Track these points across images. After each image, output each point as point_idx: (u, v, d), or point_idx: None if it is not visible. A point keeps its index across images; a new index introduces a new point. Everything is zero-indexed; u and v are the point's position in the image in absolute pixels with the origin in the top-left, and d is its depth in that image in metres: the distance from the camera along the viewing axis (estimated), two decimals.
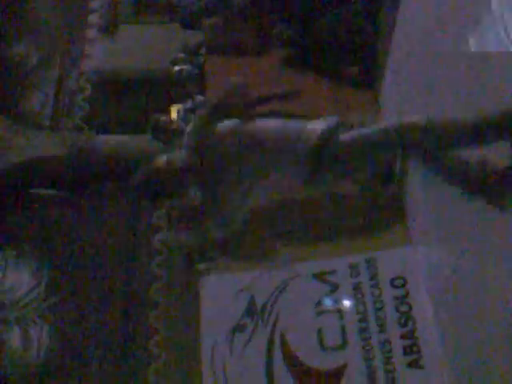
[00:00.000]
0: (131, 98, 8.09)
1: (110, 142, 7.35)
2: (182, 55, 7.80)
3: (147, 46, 8.47)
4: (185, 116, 7.19)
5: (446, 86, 4.71)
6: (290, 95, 5.75)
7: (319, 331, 5.31)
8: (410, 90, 5.62)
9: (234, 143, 4.50)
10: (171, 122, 5.88)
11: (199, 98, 7.13)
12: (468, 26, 4.19)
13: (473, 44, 4.12)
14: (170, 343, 5.87)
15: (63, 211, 6.81)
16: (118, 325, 6.11)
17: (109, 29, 8.87)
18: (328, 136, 4.48)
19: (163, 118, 5.85)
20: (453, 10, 4.52)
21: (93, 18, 8.99)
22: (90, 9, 9.07)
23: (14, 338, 6.13)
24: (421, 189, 5.36)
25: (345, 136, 4.46)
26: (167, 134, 5.67)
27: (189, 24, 8.02)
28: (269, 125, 4.81)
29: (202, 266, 5.74)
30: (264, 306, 5.42)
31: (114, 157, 7.08)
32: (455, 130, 3.94)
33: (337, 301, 5.46)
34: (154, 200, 4.44)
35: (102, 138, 7.47)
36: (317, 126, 4.61)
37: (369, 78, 6.86)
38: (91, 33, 8.89)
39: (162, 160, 4.61)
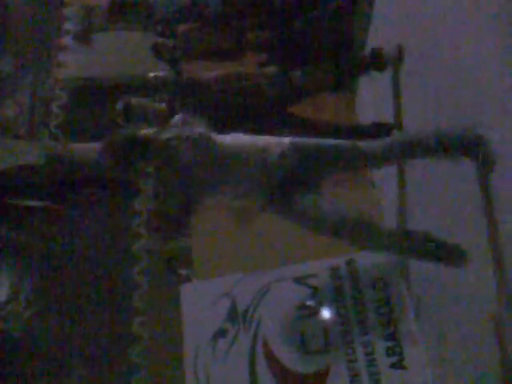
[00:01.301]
0: (107, 105, 8.06)
1: (87, 149, 7.31)
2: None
3: (122, 53, 8.46)
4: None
5: (420, 87, 4.74)
6: None
7: (301, 335, 5.29)
8: (386, 92, 5.63)
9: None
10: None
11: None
12: (443, 29, 4.21)
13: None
14: (153, 349, 5.85)
15: (42, 220, 6.77)
16: (100, 333, 6.09)
17: (83, 36, 8.85)
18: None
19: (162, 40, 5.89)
20: (428, 12, 4.54)
21: (67, 26, 8.96)
22: (65, 16, 9.03)
23: None
24: (400, 192, 5.38)
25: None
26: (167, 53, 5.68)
27: (163, 31, 8.01)
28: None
29: (182, 272, 5.72)
30: (245, 311, 5.40)
31: (91, 165, 7.04)
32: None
33: (318, 304, 5.45)
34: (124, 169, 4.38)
35: (79, 146, 7.42)
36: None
37: (344, 80, 6.86)
38: (66, 40, 8.86)
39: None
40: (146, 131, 4.27)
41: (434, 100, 4.56)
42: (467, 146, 3.67)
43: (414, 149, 3.99)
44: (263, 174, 4.18)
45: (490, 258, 3.79)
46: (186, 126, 4.28)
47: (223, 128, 5.53)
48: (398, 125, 5.50)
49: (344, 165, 4.22)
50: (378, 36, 5.89)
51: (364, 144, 4.14)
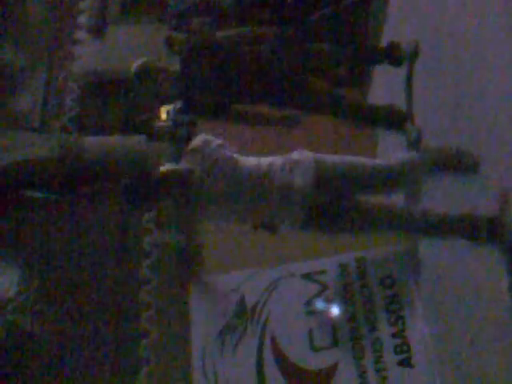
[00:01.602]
0: (120, 98, 8.08)
1: (99, 143, 7.34)
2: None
3: (136, 47, 8.45)
4: (174, 116, 7.19)
5: (433, 85, 4.72)
6: (291, 119, 5.70)
7: (309, 331, 5.31)
8: (399, 88, 5.62)
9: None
10: (162, 123, 5.84)
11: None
12: (460, 27, 4.20)
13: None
14: (161, 345, 5.87)
15: (53, 214, 6.80)
16: (109, 327, 6.11)
17: (97, 30, 8.86)
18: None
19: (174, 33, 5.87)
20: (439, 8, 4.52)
21: (81, 19, 8.97)
22: (79, 10, 9.04)
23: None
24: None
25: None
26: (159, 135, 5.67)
27: (177, 25, 8.00)
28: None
29: (192, 267, 5.73)
30: (254, 307, 5.42)
31: (103, 158, 7.07)
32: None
33: (327, 301, 5.45)
34: (138, 206, 4.34)
35: (91, 139, 7.45)
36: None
37: (357, 77, 6.85)
38: (80, 34, 8.87)
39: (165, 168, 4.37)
40: (162, 168, 4.20)
41: (448, 98, 4.54)
42: None
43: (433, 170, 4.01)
44: (291, 196, 4.07)
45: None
46: (208, 149, 4.18)
47: (236, 96, 5.51)
48: (410, 120, 5.51)
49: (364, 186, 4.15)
50: (393, 33, 5.87)
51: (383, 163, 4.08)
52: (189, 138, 5.95)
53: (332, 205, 4.06)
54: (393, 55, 5.63)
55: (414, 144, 5.21)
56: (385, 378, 5.04)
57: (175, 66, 5.55)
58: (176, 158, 5.98)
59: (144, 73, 5.56)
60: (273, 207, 4.01)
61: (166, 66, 5.64)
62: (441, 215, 4.03)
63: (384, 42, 5.97)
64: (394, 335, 5.19)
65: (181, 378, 5.54)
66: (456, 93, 4.31)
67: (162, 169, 4.16)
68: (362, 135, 6.51)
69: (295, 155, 4.14)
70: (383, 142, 6.34)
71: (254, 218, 4.07)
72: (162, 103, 7.55)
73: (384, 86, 6.13)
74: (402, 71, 5.55)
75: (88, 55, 8.64)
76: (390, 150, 5.86)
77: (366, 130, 6.51)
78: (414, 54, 5.36)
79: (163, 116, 7.49)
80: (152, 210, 5.71)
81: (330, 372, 5.15)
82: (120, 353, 5.98)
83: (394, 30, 5.84)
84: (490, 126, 3.76)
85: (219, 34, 5.85)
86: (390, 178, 4.12)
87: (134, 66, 5.60)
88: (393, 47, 5.62)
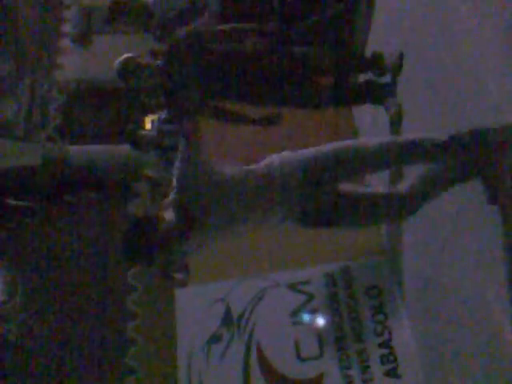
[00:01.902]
0: (105, 108, 8.06)
1: (84, 152, 7.32)
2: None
3: (121, 56, 8.44)
4: (159, 126, 7.17)
5: (422, 88, 4.75)
6: (270, 120, 5.68)
7: (296, 341, 5.30)
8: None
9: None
10: (147, 133, 5.80)
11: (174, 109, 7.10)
12: (443, 38, 4.21)
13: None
14: (147, 354, 5.86)
15: (38, 222, 6.77)
16: (94, 335, 6.09)
17: (82, 39, 8.85)
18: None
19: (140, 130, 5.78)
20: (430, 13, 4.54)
21: (66, 28, 8.95)
22: (64, 18, 9.03)
23: None
24: None
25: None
26: (145, 145, 5.63)
27: (162, 34, 7.98)
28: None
29: (178, 276, 5.69)
30: (240, 316, 5.41)
31: (88, 167, 7.06)
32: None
33: (313, 311, 5.46)
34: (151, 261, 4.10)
35: (76, 148, 7.43)
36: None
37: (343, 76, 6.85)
38: (64, 42, 8.86)
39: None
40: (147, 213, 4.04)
41: (433, 102, 4.56)
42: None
43: (415, 151, 3.92)
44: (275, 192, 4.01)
45: (486, 262, 3.80)
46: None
47: (218, 93, 5.49)
48: (398, 124, 5.54)
49: (345, 171, 4.10)
50: (378, 40, 5.89)
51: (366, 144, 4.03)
52: (173, 148, 5.93)
53: (323, 198, 4.01)
54: (376, 65, 5.64)
55: (396, 120, 5.24)
56: None
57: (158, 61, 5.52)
58: (161, 168, 5.98)
59: (127, 69, 5.51)
60: (271, 204, 3.94)
61: (149, 62, 5.60)
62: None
63: (369, 51, 6.00)
64: (380, 345, 5.19)
65: None
66: (441, 99, 4.33)
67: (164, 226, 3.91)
68: (341, 120, 6.54)
69: (284, 154, 4.08)
70: (363, 125, 6.37)
71: (254, 217, 3.98)
72: (147, 113, 7.54)
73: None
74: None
75: (72, 64, 8.63)
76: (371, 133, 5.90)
77: (343, 114, 6.55)
78: (398, 64, 5.37)
79: (148, 125, 7.47)
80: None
81: (317, 382, 5.15)
82: (106, 361, 5.96)
83: (380, 40, 5.85)
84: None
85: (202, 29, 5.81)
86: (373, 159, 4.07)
87: (117, 62, 5.55)
88: (376, 57, 5.64)
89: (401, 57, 5.30)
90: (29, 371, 6.00)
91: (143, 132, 6.74)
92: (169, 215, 3.72)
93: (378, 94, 5.62)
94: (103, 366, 5.95)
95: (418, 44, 4.84)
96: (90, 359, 5.99)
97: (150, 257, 3.73)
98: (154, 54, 6.19)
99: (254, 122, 5.51)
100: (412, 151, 3.84)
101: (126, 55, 5.52)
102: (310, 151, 3.96)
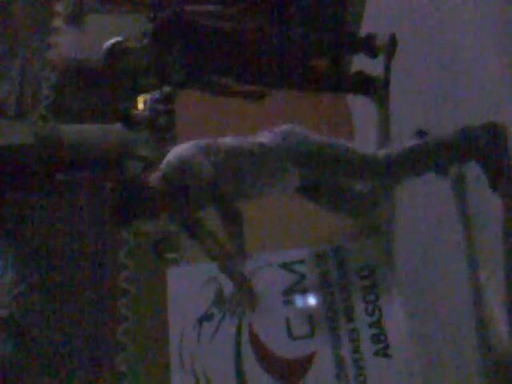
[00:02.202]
0: (97, 87, 8.04)
1: (76, 131, 7.29)
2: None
3: (114, 36, 8.40)
4: (151, 106, 7.16)
5: (413, 79, 4.74)
6: (256, 95, 5.68)
7: (287, 320, 5.32)
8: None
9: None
10: (140, 112, 5.78)
11: (166, 88, 7.10)
12: (441, 28, 4.21)
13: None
14: (139, 331, 5.87)
15: (31, 200, 6.77)
16: (86, 313, 6.10)
17: (75, 18, 8.80)
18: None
19: (132, 109, 5.75)
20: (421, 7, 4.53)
21: (59, 7, 8.91)
22: None
23: None
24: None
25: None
26: (137, 124, 5.60)
27: (154, 16, 7.95)
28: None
29: (169, 255, 5.70)
30: (232, 296, 5.40)
31: (80, 146, 7.03)
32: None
33: (304, 290, 5.47)
34: (127, 223, 4.10)
35: (68, 127, 7.40)
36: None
37: (338, 69, 6.85)
38: (57, 22, 8.81)
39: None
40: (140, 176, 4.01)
41: (428, 95, 4.55)
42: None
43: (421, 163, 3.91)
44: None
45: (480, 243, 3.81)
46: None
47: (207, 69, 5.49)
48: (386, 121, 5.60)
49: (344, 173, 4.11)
50: (372, 25, 5.88)
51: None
52: (167, 127, 5.92)
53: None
54: (369, 46, 5.64)
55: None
56: (362, 368, 5.06)
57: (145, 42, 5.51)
58: (153, 147, 5.98)
59: (114, 54, 5.50)
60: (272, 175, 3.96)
61: (136, 44, 5.59)
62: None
63: (364, 28, 6.00)
64: (371, 325, 5.21)
65: (158, 363, 5.53)
66: (434, 82, 4.33)
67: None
68: (336, 108, 6.56)
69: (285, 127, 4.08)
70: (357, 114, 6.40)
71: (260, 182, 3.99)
72: (140, 92, 7.53)
73: None
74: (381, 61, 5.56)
75: (65, 43, 8.60)
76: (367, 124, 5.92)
77: (339, 102, 6.56)
78: (391, 45, 5.37)
79: (140, 105, 7.46)
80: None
81: (308, 361, 5.16)
82: (97, 338, 5.98)
83: (373, 21, 5.84)
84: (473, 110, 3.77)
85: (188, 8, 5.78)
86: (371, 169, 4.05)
87: (106, 45, 5.53)
88: (369, 38, 5.64)
89: (393, 37, 5.30)
90: (20, 346, 6.00)
91: (136, 111, 6.74)
92: (157, 182, 3.77)
93: (369, 86, 5.66)
94: (94, 342, 5.97)
95: (413, 40, 4.83)
96: (79, 336, 6.01)
97: (130, 217, 3.76)
98: (143, 34, 6.17)
99: (240, 94, 5.53)
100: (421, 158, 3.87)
101: (113, 40, 5.51)
102: (323, 138, 3.98)
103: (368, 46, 5.63)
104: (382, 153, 3.91)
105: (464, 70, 3.83)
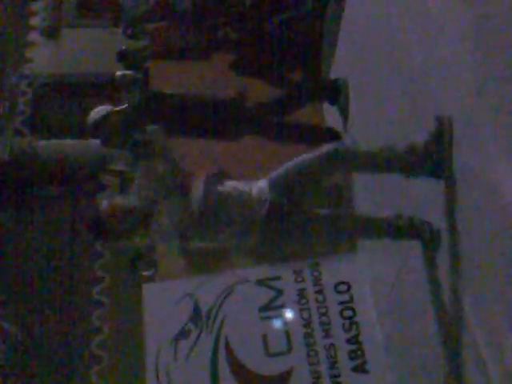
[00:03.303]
0: (74, 102, 8.01)
1: (52, 146, 7.26)
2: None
3: (91, 50, 8.41)
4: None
5: (388, 91, 4.76)
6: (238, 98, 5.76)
7: (264, 337, 5.29)
8: (353, 93, 5.67)
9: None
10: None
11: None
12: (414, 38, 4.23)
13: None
14: (114, 345, 5.85)
15: (5, 214, 6.76)
16: (60, 325, 6.09)
17: (51, 32, 8.77)
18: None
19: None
20: (399, 19, 4.56)
21: (35, 21, 8.87)
22: (32, 11, 8.94)
23: None
24: (363, 198, 5.40)
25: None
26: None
27: (131, 29, 7.94)
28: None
29: (145, 272, 5.68)
30: (209, 312, 5.38)
31: (56, 161, 7.00)
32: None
33: (281, 306, 5.44)
34: (106, 240, 4.33)
35: (44, 142, 7.37)
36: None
37: (313, 83, 6.90)
38: (33, 36, 8.78)
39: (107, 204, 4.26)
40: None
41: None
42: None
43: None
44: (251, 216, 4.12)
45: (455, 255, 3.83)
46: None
47: (184, 133, 5.58)
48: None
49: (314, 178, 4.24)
50: (347, 40, 5.91)
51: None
52: (144, 143, 5.93)
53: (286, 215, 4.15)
54: (328, 94, 5.86)
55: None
56: None
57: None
58: (131, 163, 5.95)
59: (101, 123, 5.65)
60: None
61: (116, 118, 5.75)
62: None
63: (339, 49, 6.04)
64: (348, 341, 5.20)
65: (134, 377, 5.50)
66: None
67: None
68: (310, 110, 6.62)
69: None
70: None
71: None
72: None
73: None
74: (357, 75, 5.58)
75: (41, 58, 8.56)
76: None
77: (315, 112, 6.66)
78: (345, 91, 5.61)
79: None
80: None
81: (285, 377, 5.14)
82: (71, 351, 5.96)
83: (350, 37, 5.87)
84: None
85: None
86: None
87: (92, 116, 5.67)
88: (329, 86, 5.86)
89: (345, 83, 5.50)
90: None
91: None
92: (131, 201, 3.89)
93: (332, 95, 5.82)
94: (68, 355, 5.96)
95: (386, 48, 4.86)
96: (53, 349, 6.01)
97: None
98: (120, 57, 6.23)
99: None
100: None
101: (102, 108, 5.63)
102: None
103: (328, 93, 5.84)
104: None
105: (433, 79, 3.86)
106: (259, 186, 4.20)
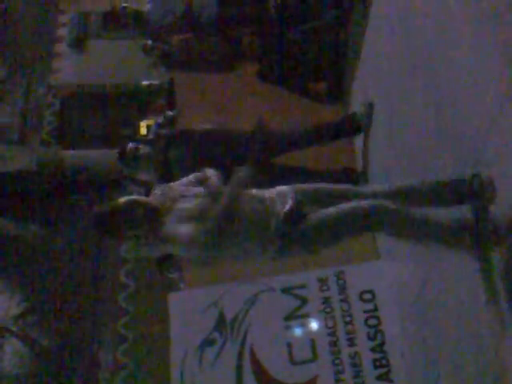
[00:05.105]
0: (100, 112, 8.08)
1: (78, 156, 7.33)
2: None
3: (116, 61, 8.47)
4: (155, 131, 7.18)
5: (412, 100, 4.75)
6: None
7: (289, 345, 5.30)
8: (377, 104, 5.66)
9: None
10: (138, 148, 5.82)
11: (169, 113, 7.11)
12: (437, 40, 4.22)
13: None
14: (139, 353, 5.88)
15: (33, 225, 6.82)
16: (86, 333, 6.13)
17: (78, 43, 8.86)
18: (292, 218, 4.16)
19: (131, 145, 5.81)
20: (417, 27, 4.55)
21: (62, 33, 8.96)
22: (60, 23, 9.04)
23: None
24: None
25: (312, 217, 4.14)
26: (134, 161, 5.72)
27: (157, 43, 8.00)
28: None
29: (170, 274, 5.70)
30: (233, 321, 5.40)
31: (82, 170, 7.06)
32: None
33: (306, 315, 5.46)
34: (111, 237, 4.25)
35: (71, 152, 7.44)
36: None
37: (337, 93, 6.91)
38: (60, 47, 8.86)
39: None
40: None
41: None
42: None
43: None
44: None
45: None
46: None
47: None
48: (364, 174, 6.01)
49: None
50: (372, 47, 5.91)
51: None
52: (166, 151, 5.98)
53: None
54: (350, 130, 5.91)
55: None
56: None
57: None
58: (153, 172, 5.99)
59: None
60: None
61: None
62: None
63: (364, 57, 6.04)
64: (373, 349, 5.20)
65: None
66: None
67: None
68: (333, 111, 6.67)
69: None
70: None
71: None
72: (143, 118, 7.54)
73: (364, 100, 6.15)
74: (382, 87, 5.58)
75: (68, 68, 8.64)
76: None
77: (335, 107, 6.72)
78: (368, 116, 5.61)
79: (143, 130, 7.46)
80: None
81: None
82: (97, 358, 5.99)
83: (374, 43, 5.86)
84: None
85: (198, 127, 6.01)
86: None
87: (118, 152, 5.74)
88: (348, 120, 5.89)
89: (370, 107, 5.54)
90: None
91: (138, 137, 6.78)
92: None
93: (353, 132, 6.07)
94: (94, 362, 5.99)
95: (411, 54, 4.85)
96: (79, 357, 6.04)
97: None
98: (146, 50, 6.34)
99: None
100: None
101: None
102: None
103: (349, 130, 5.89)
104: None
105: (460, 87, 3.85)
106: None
